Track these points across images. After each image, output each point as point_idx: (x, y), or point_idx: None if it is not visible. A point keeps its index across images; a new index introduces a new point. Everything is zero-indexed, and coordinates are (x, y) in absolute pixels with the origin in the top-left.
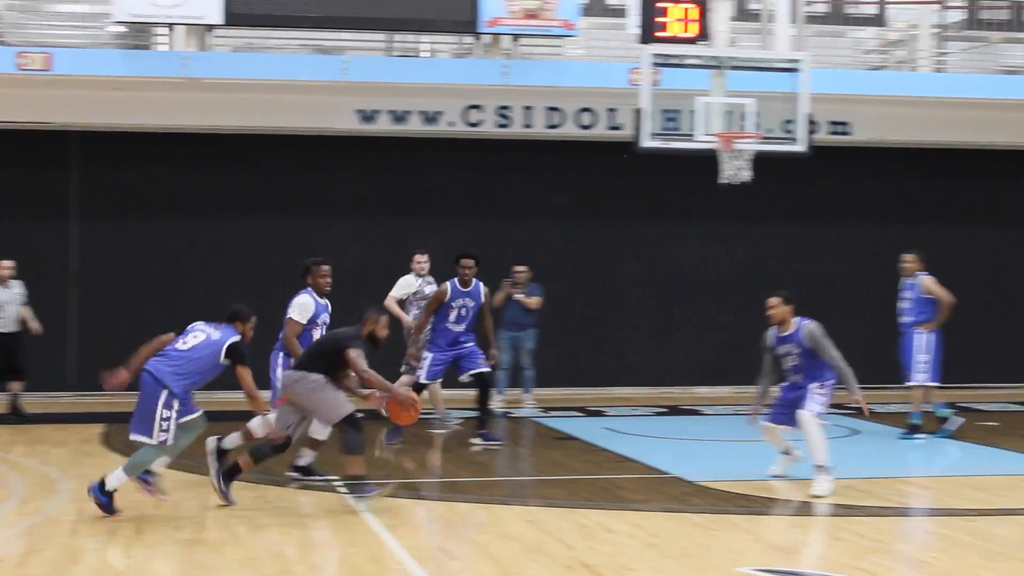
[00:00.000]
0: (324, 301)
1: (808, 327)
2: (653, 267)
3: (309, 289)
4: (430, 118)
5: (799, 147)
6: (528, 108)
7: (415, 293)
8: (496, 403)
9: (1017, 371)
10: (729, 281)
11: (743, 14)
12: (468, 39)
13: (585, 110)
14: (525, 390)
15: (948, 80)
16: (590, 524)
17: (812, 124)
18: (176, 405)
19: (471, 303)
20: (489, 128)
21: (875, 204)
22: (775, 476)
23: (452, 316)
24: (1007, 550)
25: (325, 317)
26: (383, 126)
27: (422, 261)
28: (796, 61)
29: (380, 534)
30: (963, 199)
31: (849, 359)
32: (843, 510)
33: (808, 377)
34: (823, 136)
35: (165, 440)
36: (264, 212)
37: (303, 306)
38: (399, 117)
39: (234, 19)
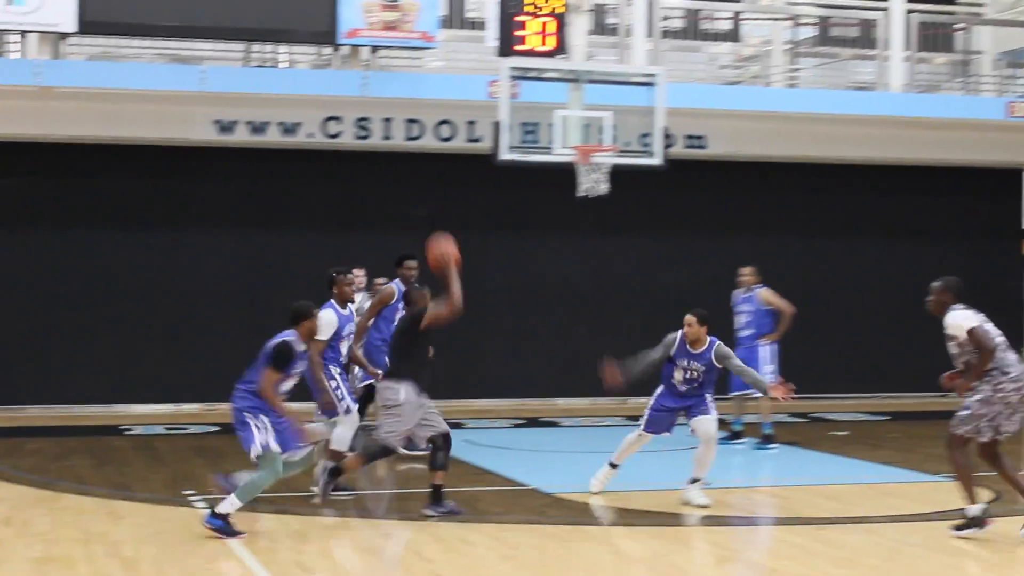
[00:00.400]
0: (348, 312)
1: (719, 348)
2: (513, 279)
3: (332, 302)
4: (289, 129)
5: (655, 160)
6: (387, 120)
7: (356, 309)
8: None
9: (865, 381)
10: (588, 293)
11: (600, 28)
12: (327, 50)
13: (444, 122)
14: None
15: (801, 95)
16: (448, 537)
17: (668, 138)
18: (261, 418)
19: None
20: (348, 140)
21: (730, 216)
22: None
23: (396, 318)
24: (857, 557)
25: (351, 328)
26: (241, 137)
27: (360, 275)
28: (652, 75)
29: (236, 549)
30: (814, 212)
31: None
32: (698, 520)
33: (703, 389)
34: (679, 150)
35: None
36: (120, 224)
37: (327, 324)
38: (257, 128)
39: (89, 27)
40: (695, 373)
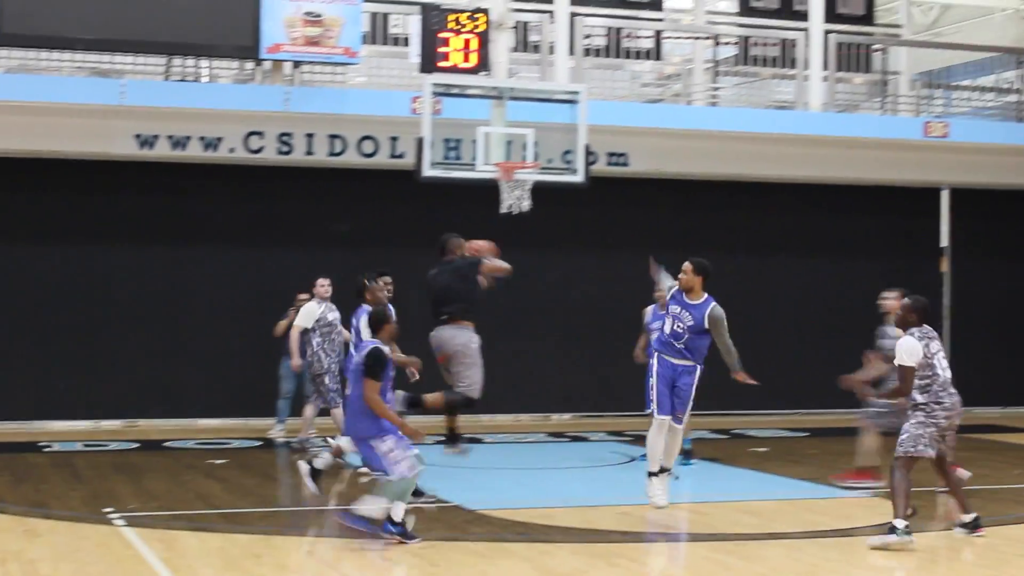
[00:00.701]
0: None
1: (715, 309)
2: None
3: (364, 307)
4: (210, 144)
5: (578, 177)
6: (310, 135)
7: (318, 320)
8: (278, 433)
9: (784, 398)
10: (510, 309)
11: (523, 46)
12: (249, 65)
13: (367, 138)
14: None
15: (722, 114)
16: (370, 554)
17: (590, 155)
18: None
19: None
20: (270, 155)
21: (651, 233)
22: None
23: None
24: (775, 573)
25: None
26: (162, 151)
27: (325, 284)
28: (575, 93)
29: (156, 567)
30: (735, 230)
31: (626, 385)
32: (620, 536)
33: (693, 356)
34: (601, 167)
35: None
36: (38, 239)
37: (366, 330)
38: (178, 142)
39: (7, 39)
40: (682, 327)
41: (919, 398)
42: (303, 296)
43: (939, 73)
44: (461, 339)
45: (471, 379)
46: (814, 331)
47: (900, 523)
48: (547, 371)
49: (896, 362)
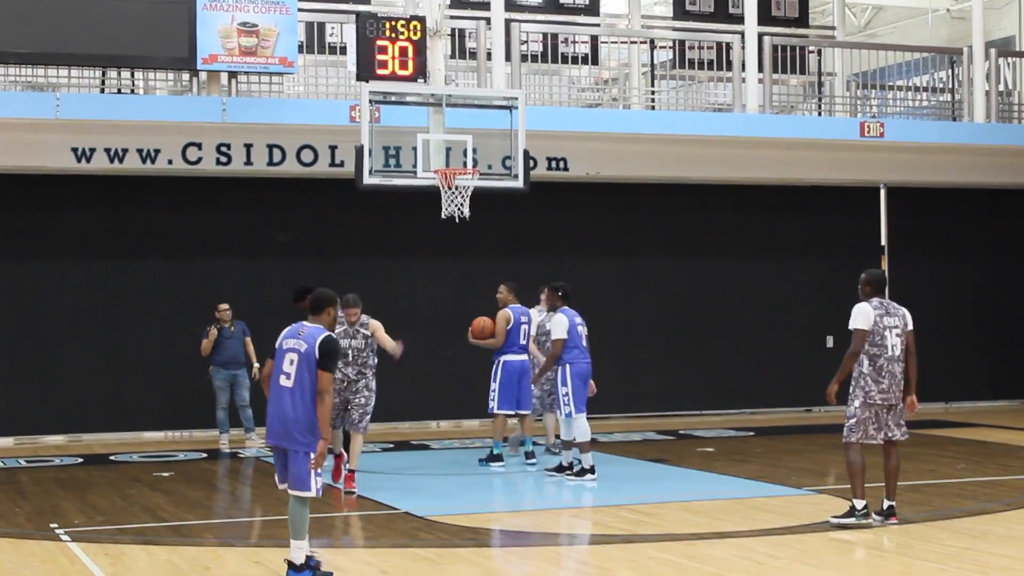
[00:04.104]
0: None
1: None
2: (377, 303)
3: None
4: (148, 156)
5: (518, 183)
6: (248, 145)
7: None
8: (223, 444)
9: (730, 398)
10: (453, 315)
11: (460, 53)
12: (185, 76)
13: (306, 147)
14: (247, 429)
15: (659, 117)
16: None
17: (530, 160)
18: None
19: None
20: (209, 166)
21: (592, 237)
22: None
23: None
24: (724, 571)
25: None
26: (99, 164)
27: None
28: (513, 99)
29: None
30: (676, 232)
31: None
32: (568, 539)
33: None
34: (541, 172)
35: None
36: None
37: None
38: (116, 155)
39: None
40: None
41: (864, 367)
42: (223, 306)
43: (873, 74)
44: None
45: None
46: (756, 332)
47: (859, 503)
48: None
49: (850, 326)
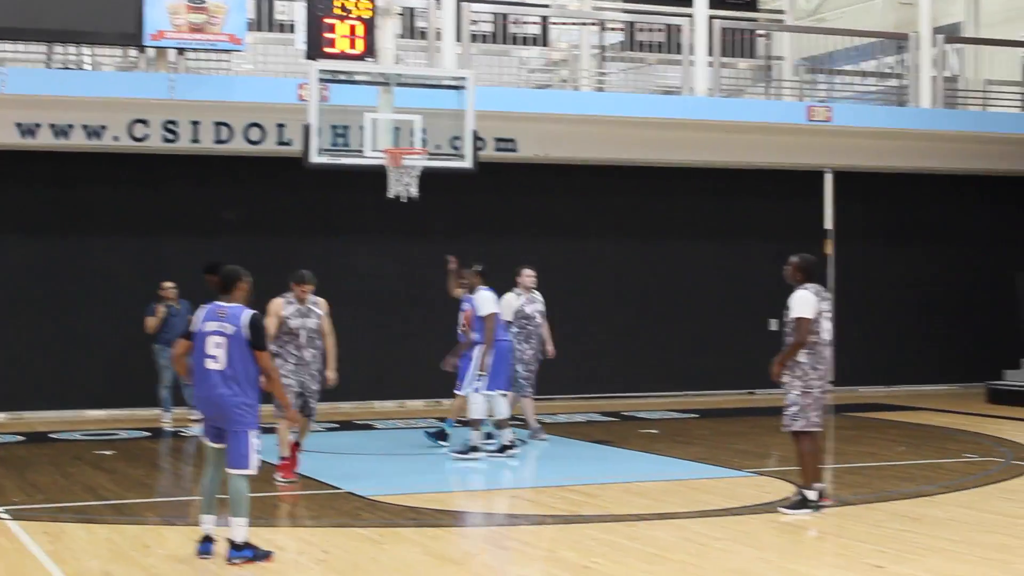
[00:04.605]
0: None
1: None
2: (324, 283)
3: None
4: (94, 132)
5: (466, 163)
6: (195, 123)
7: (516, 312)
8: (165, 422)
9: (674, 380)
10: (400, 296)
11: (410, 32)
12: (133, 52)
13: (254, 125)
14: (192, 407)
15: (608, 99)
16: (259, 542)
17: (479, 141)
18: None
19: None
20: (156, 143)
21: (539, 219)
22: None
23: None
24: (666, 552)
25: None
26: (44, 140)
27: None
28: (462, 79)
29: (42, 560)
30: (623, 214)
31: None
32: (511, 519)
33: None
34: (490, 152)
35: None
36: None
37: None
38: (61, 131)
39: None
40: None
41: (802, 357)
42: (167, 285)
43: (822, 58)
44: None
45: None
46: (701, 314)
47: (812, 494)
48: (437, 356)
49: (794, 315)
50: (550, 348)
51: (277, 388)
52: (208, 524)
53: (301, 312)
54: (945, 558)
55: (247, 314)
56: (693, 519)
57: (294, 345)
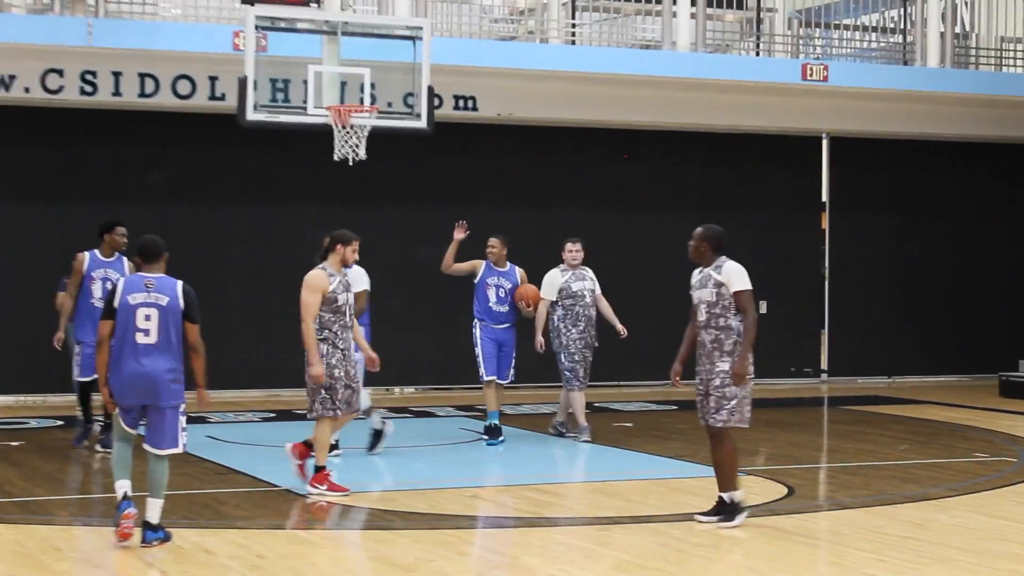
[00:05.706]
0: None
1: None
2: (260, 255)
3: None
4: (2, 82)
5: (421, 123)
6: (117, 74)
7: (561, 290)
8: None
9: (650, 368)
10: None
11: None
12: None
13: (183, 77)
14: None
15: (580, 53)
16: (187, 545)
17: (435, 98)
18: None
19: None
20: (72, 95)
21: (501, 185)
22: None
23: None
24: (641, 559)
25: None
26: None
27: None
28: (417, 28)
29: None
30: (595, 181)
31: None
32: (468, 522)
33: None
34: (447, 111)
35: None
36: None
37: None
38: None
39: None
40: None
41: (737, 336)
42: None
43: (818, 11)
44: None
45: None
46: (681, 294)
47: (739, 494)
48: (388, 339)
49: (737, 288)
50: (619, 327)
51: (201, 365)
52: (125, 487)
53: (344, 285)
54: (951, 568)
55: (180, 284)
56: (671, 523)
57: (340, 325)
